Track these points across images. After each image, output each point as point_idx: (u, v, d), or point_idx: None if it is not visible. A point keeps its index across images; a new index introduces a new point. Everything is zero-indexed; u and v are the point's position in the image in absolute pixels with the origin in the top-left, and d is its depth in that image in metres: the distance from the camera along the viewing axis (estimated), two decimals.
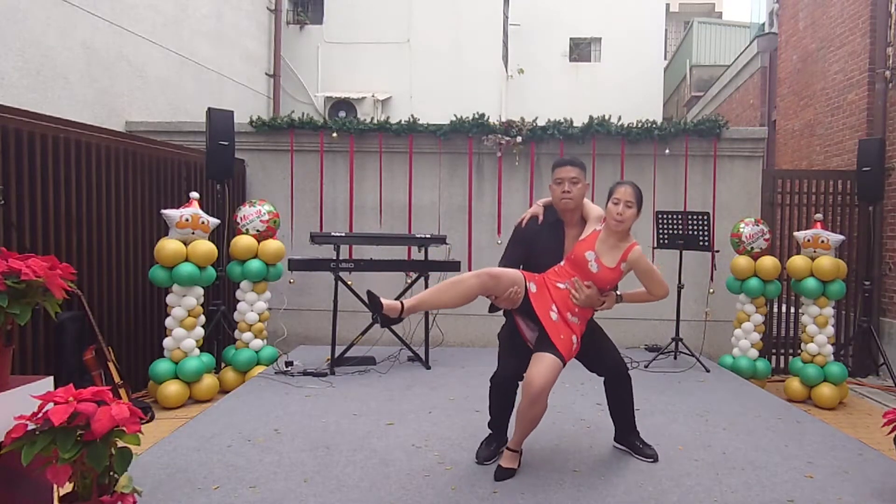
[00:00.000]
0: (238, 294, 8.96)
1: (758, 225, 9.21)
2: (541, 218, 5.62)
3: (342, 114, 16.61)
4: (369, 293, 5.00)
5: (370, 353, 9.19)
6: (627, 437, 5.88)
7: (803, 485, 5.18)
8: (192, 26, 12.57)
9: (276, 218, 9.08)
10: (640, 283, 5.45)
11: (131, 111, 10.65)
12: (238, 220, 8.90)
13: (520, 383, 5.38)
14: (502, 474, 5.27)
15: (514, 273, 5.16)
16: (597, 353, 5.63)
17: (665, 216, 9.40)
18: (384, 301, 4.95)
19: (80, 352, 7.04)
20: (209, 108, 8.91)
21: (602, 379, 5.76)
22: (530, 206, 10.40)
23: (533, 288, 5.15)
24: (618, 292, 5.44)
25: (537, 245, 5.52)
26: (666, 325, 10.13)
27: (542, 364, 4.96)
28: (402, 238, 9.59)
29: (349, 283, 9.07)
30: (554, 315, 5.09)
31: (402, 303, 5.00)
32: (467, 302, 5.04)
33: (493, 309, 5.36)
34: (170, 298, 8.03)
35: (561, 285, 5.20)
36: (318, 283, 10.42)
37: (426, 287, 8.80)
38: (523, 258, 5.56)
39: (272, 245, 8.88)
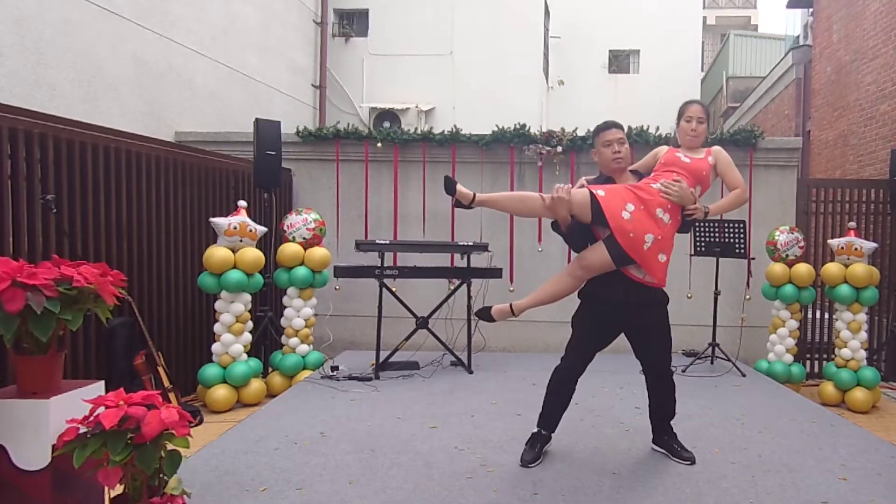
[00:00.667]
0: (285, 300, 8.99)
1: (793, 233, 9.13)
2: (585, 184, 5.47)
3: (386, 124, 16.68)
4: (446, 178, 5.44)
5: (414, 358, 9.15)
6: (664, 439, 5.84)
7: (837, 487, 5.14)
8: (240, 39, 12.65)
9: (322, 226, 9.09)
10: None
11: (180, 122, 10.73)
12: (285, 227, 8.92)
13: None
14: (484, 314, 5.49)
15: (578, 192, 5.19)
16: (647, 342, 5.54)
17: (702, 224, 9.31)
18: (459, 187, 5.39)
19: (131, 357, 7.09)
20: (257, 119, 8.94)
21: (643, 379, 5.71)
22: None
23: (601, 192, 5.08)
24: (705, 206, 5.31)
25: None
26: (703, 330, 10.02)
27: (598, 250, 5.15)
28: (445, 245, 9.57)
29: (393, 289, 9.07)
30: (626, 214, 4.99)
31: (474, 194, 5.43)
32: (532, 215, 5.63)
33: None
34: (218, 304, 8.07)
35: (654, 185, 5.15)
36: (363, 289, 10.41)
37: (468, 293, 8.80)
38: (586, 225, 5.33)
39: (318, 252, 8.90)
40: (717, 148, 5.45)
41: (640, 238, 4.98)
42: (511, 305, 5.47)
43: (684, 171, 5.25)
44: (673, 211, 5.13)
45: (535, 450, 5.61)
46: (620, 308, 5.28)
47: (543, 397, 5.71)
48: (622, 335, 5.55)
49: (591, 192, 5.08)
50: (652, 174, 5.40)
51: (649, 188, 5.14)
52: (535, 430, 5.74)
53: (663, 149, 5.57)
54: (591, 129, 10.34)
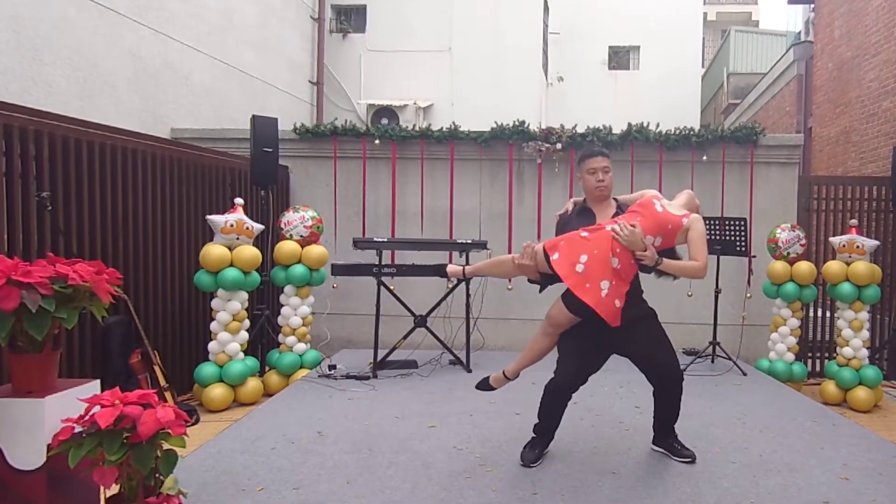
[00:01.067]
0: (282, 298, 8.99)
1: (794, 230, 9.13)
2: (569, 210, 5.75)
3: (384, 121, 16.64)
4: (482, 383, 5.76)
5: (412, 357, 9.15)
6: (665, 439, 5.85)
7: (839, 487, 5.15)
8: (236, 35, 12.64)
9: (320, 223, 9.10)
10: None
11: (177, 118, 10.73)
12: (282, 225, 8.93)
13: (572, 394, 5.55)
14: (484, 385, 5.68)
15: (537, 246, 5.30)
16: (649, 354, 5.50)
17: (703, 222, 9.33)
18: (449, 268, 5.74)
19: (127, 355, 7.10)
20: (253, 116, 8.95)
21: (643, 378, 5.70)
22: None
23: (555, 256, 5.11)
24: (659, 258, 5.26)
25: (568, 229, 5.44)
26: (703, 329, 10.03)
27: (559, 306, 5.29)
28: (444, 243, 9.57)
29: (391, 287, 9.06)
30: (580, 266, 5.02)
31: (462, 267, 5.87)
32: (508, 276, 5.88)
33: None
34: (215, 303, 8.07)
35: (608, 227, 5.17)
36: (361, 287, 10.39)
37: (467, 291, 8.80)
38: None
39: (315, 250, 8.90)
40: (697, 216, 5.48)
41: (596, 286, 5.02)
42: (504, 372, 5.74)
43: (651, 218, 5.24)
44: (622, 255, 5.11)
45: (536, 451, 5.63)
46: (608, 331, 5.18)
47: (539, 408, 5.71)
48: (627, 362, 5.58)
49: (546, 256, 5.16)
50: (629, 211, 5.45)
51: (603, 232, 5.16)
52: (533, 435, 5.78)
53: (651, 193, 5.59)
54: (591, 126, 10.45)
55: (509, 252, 10.47)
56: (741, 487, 5.09)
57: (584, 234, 5.17)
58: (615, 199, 5.71)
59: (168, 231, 8.32)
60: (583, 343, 5.37)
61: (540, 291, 5.66)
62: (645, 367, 5.54)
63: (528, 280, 5.58)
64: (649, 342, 5.48)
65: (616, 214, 5.48)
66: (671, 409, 5.76)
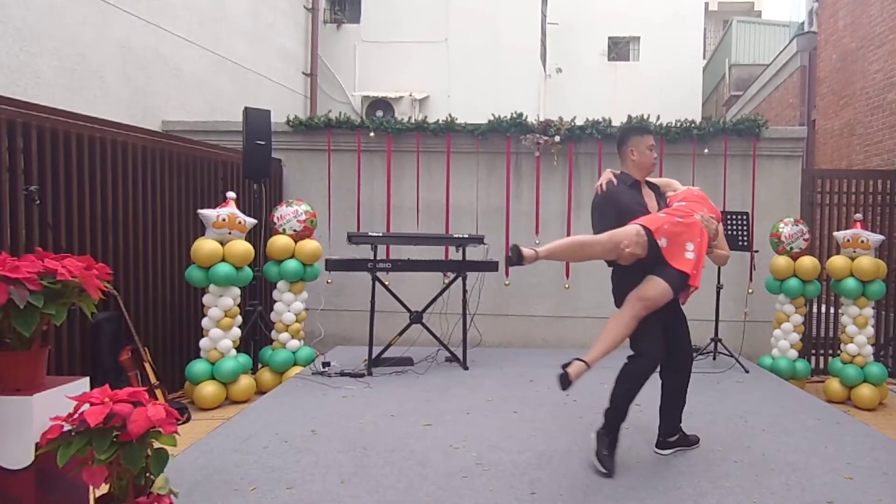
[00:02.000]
0: (275, 294, 8.99)
1: (797, 225, 9.13)
2: (615, 182, 5.71)
3: (379, 113, 16.65)
4: (513, 249, 5.33)
5: (407, 354, 9.14)
6: (675, 434, 5.89)
7: (843, 486, 5.15)
8: (228, 25, 12.62)
9: (314, 218, 9.10)
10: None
11: (167, 110, 10.71)
12: (275, 219, 8.92)
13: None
14: (563, 379, 5.24)
15: (634, 227, 5.28)
16: (685, 329, 5.77)
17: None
18: (524, 250, 5.26)
19: (117, 352, 7.08)
20: (246, 108, 8.93)
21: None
22: (569, 205, 10.37)
23: (663, 241, 5.31)
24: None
25: (622, 203, 5.58)
26: (705, 325, 10.02)
27: (651, 283, 5.34)
28: (440, 238, 9.58)
29: (386, 283, 9.05)
30: (690, 255, 5.40)
31: (535, 251, 5.26)
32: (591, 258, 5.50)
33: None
34: (206, 299, 8.06)
35: (696, 216, 5.47)
36: (356, 283, 10.40)
37: (464, 286, 8.80)
38: (615, 218, 5.52)
39: (309, 245, 8.90)
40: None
41: (700, 270, 5.48)
42: (585, 361, 5.24)
43: (713, 210, 5.74)
44: (703, 242, 5.50)
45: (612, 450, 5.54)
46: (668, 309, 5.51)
47: (616, 396, 5.51)
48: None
49: (654, 242, 5.29)
50: (683, 200, 5.70)
51: (695, 221, 5.46)
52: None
53: (694, 190, 5.92)
54: (590, 118, 10.43)
55: (507, 246, 10.47)
56: (743, 487, 5.09)
57: (679, 218, 5.40)
58: (649, 181, 5.93)
59: (159, 226, 8.31)
60: (658, 320, 5.48)
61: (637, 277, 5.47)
62: (677, 346, 5.71)
63: (609, 263, 5.62)
64: (684, 320, 5.83)
65: (656, 194, 5.86)
66: (682, 398, 5.89)
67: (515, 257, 5.19)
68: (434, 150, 10.78)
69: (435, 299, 9.09)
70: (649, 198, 5.76)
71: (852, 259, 8.72)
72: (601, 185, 5.68)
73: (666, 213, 5.48)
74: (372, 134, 10.66)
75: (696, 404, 7.27)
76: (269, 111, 9.14)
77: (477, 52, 17.51)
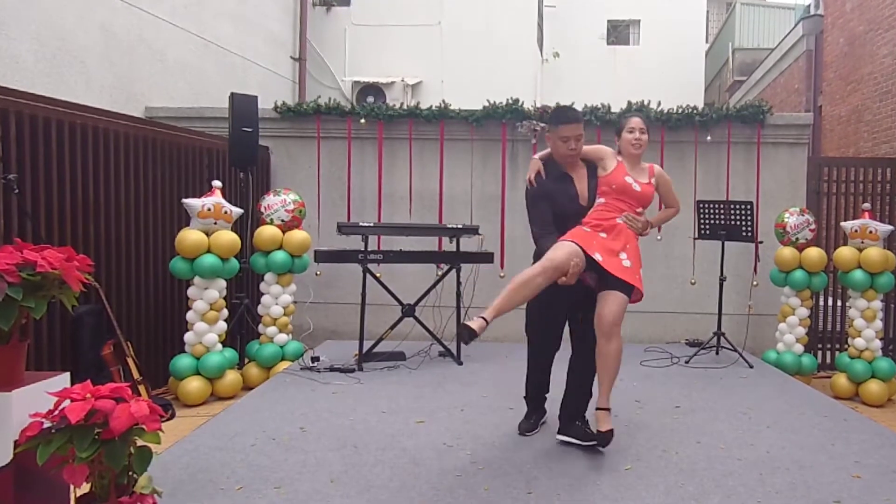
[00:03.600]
0: (262, 287, 8.98)
1: (803, 215, 9.14)
2: (544, 173, 5.93)
3: (370, 99, 16.59)
4: (461, 327, 5.32)
5: (400, 349, 9.15)
6: (577, 424, 5.93)
7: (850, 485, 5.15)
8: (214, 8, 12.57)
9: (302, 207, 9.09)
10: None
11: (151, 96, 10.67)
12: (262, 209, 8.90)
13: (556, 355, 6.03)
14: (605, 439, 5.51)
15: (569, 247, 5.36)
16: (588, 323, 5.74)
17: (706, 206, 9.34)
18: (473, 325, 5.17)
19: (98, 347, 7.07)
20: (232, 93, 8.92)
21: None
22: None
23: (598, 257, 5.39)
24: (645, 217, 5.93)
25: (556, 197, 5.83)
26: (707, 319, 10.04)
27: (612, 300, 5.42)
28: (433, 228, 9.58)
29: (378, 275, 9.05)
30: (626, 262, 5.51)
31: (484, 319, 5.25)
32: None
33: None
34: (191, 291, 8.05)
35: (619, 219, 5.65)
36: (346, 275, 10.39)
37: (458, 279, 8.80)
38: (549, 212, 5.81)
39: (298, 236, 8.88)
40: (659, 169, 6.11)
41: (639, 273, 5.65)
42: (485, 320, 5.38)
43: (635, 200, 5.78)
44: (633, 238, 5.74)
45: (531, 420, 6.10)
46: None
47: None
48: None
49: (595, 264, 5.40)
50: (601, 197, 5.82)
51: (620, 227, 5.64)
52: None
53: (608, 152, 5.97)
54: (588, 104, 10.43)
55: (502, 239, 10.47)
56: (747, 486, 5.09)
57: (603, 234, 5.57)
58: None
59: (142, 215, 8.30)
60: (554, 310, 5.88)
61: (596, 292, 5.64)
62: (585, 328, 5.76)
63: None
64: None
65: (588, 171, 5.96)
66: (591, 381, 5.98)
67: (466, 336, 5.13)
68: (427, 138, 10.77)
69: (428, 292, 9.11)
70: (581, 181, 5.90)
71: (860, 250, 8.72)
72: (530, 178, 5.94)
73: (590, 227, 5.61)
74: (363, 121, 10.64)
75: (699, 400, 7.29)
76: (256, 97, 9.13)
77: (471, 36, 17.46)
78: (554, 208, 5.82)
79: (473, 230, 8.93)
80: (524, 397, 6.40)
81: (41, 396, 3.87)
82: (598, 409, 5.58)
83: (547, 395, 6.38)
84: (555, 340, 6.09)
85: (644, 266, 5.71)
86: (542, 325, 6.09)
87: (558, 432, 5.97)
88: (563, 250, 5.30)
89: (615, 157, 5.90)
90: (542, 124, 10.35)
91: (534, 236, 5.97)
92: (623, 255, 5.49)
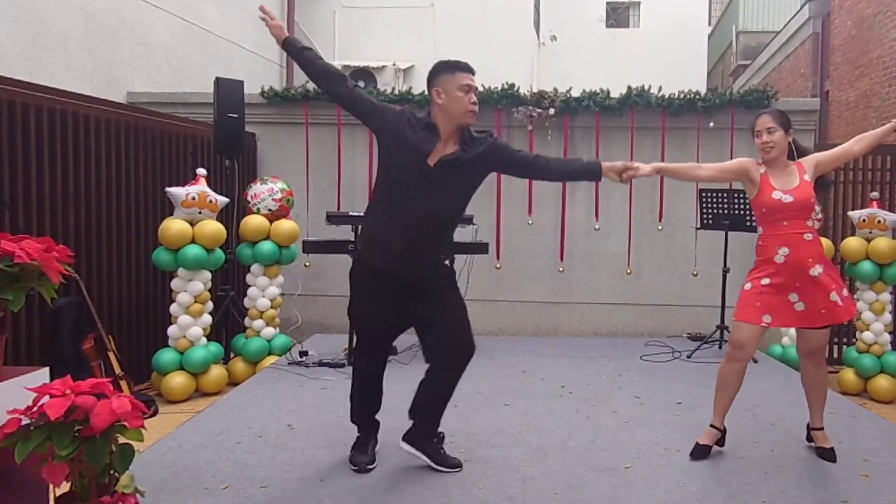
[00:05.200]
0: (248, 278, 8.98)
1: None
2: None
3: (361, 84, 16.56)
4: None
5: None
6: (434, 442, 5.55)
7: (858, 484, 5.16)
8: None
9: (290, 196, 9.07)
10: None
11: (133, 81, 10.65)
12: (248, 198, 8.89)
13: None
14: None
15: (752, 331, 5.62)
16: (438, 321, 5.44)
17: (709, 195, 9.35)
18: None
19: (78, 341, 7.05)
20: (217, 78, 8.91)
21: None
22: (564, 183, 10.32)
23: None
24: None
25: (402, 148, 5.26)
26: (710, 312, 10.04)
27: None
28: None
29: None
30: (834, 297, 5.42)
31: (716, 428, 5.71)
32: None
33: None
34: (175, 283, 8.04)
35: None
36: (335, 266, 10.39)
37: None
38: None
39: (285, 225, 8.88)
40: (810, 159, 5.69)
41: None
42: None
43: (794, 211, 5.46)
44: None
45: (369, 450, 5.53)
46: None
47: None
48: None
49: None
50: (760, 226, 5.87)
51: (799, 264, 5.52)
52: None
53: (750, 163, 5.92)
54: (587, 89, 10.43)
55: (497, 229, 10.47)
56: (752, 485, 5.10)
57: (794, 297, 5.59)
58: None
59: (124, 204, 8.28)
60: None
61: None
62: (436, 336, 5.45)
63: None
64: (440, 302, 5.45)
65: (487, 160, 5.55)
66: (452, 388, 5.56)
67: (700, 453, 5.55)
68: None
69: None
70: (435, 156, 5.15)
71: (868, 240, 8.70)
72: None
73: (770, 285, 5.74)
74: None
75: (701, 396, 7.29)
76: (242, 82, 9.11)
77: (465, 19, 17.43)
78: (393, 161, 5.21)
79: (468, 220, 8.91)
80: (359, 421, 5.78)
81: (19, 392, 3.86)
82: (816, 428, 5.79)
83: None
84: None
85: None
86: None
87: (407, 439, 5.54)
88: (745, 334, 5.56)
89: (759, 167, 5.77)
90: (539, 110, 10.34)
91: None
92: (833, 296, 5.37)
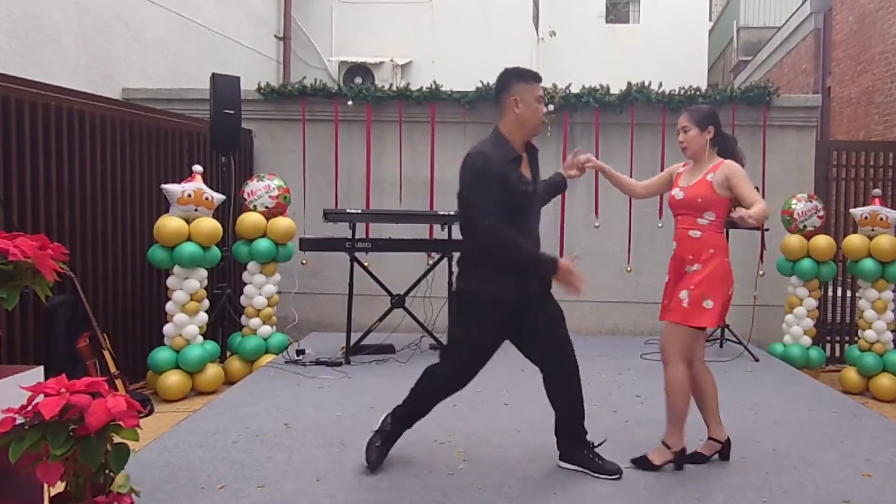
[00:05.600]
0: (245, 276, 8.97)
1: (811, 201, 9.14)
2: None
3: (358, 80, 16.52)
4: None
5: (389, 341, 9.16)
6: (583, 452, 5.43)
7: (860, 484, 5.16)
8: None
9: (287, 193, 9.07)
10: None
11: (128, 77, 10.63)
12: (245, 195, 8.89)
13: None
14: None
15: None
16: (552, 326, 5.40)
17: None
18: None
19: (73, 339, 7.06)
20: (213, 74, 8.90)
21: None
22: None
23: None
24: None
25: (510, 186, 5.06)
26: None
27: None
28: (424, 216, 9.57)
29: (366, 264, 9.04)
30: (684, 300, 5.37)
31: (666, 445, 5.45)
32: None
33: None
34: (171, 281, 8.04)
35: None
36: (333, 264, 10.40)
37: (449, 268, 8.79)
38: (500, 202, 5.05)
39: (282, 223, 8.88)
40: (727, 166, 5.39)
41: None
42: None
43: (684, 208, 5.47)
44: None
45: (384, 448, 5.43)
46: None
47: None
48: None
49: None
50: None
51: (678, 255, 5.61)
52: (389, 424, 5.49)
53: (675, 167, 5.84)
54: (586, 85, 10.43)
55: None
56: (753, 485, 5.10)
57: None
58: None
59: (119, 202, 8.28)
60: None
61: None
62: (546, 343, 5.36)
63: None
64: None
65: (531, 158, 5.36)
66: (580, 396, 5.45)
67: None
68: (418, 120, 10.76)
69: (418, 282, 9.10)
70: (526, 171, 5.20)
71: (870, 238, 8.72)
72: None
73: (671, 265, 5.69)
74: (350, 102, 10.61)
75: None
76: (238, 78, 9.10)
77: (463, 14, 17.37)
78: (507, 199, 4.96)
79: None
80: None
81: (14, 391, 3.86)
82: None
83: None
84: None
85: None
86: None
87: (563, 458, 5.48)
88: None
89: (682, 166, 5.75)
90: None
91: (494, 234, 4.89)
92: (683, 294, 5.33)
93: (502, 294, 4.94)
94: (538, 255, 5.02)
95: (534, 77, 5.22)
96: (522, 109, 5.08)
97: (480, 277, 5.01)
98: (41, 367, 4.33)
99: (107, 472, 3.82)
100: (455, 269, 5.35)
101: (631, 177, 6.52)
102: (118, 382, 7.13)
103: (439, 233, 9.67)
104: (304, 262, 10.17)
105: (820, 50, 16.74)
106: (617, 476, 5.21)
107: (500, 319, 5.06)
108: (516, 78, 5.20)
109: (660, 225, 10.13)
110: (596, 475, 5.24)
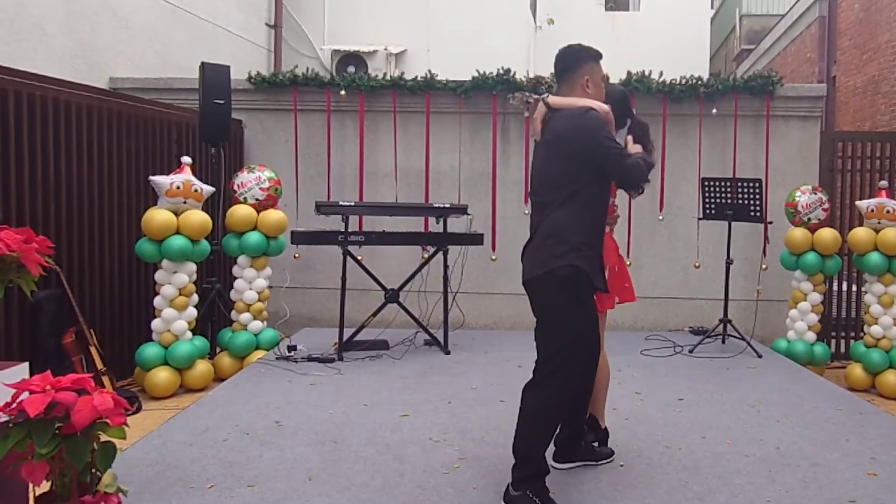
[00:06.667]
0: (235, 270, 8.97)
1: (815, 193, 9.14)
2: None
3: (351, 69, 16.52)
4: None
5: (382, 337, 9.16)
6: (581, 445, 5.44)
7: (866, 483, 5.17)
8: None
9: (278, 185, 9.07)
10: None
11: (116, 66, 10.60)
12: (235, 187, 8.88)
13: None
14: None
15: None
16: None
17: (712, 183, 9.34)
18: None
19: (59, 335, 7.04)
20: (203, 63, 8.88)
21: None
22: None
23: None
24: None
25: None
26: (713, 305, 10.06)
27: None
28: (419, 208, 9.57)
29: (359, 257, 9.05)
30: None
31: None
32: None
33: None
34: (159, 275, 8.01)
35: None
36: (325, 258, 10.40)
37: (445, 262, 8.79)
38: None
39: (273, 216, 8.87)
40: None
41: None
42: None
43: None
44: None
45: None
46: None
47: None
48: None
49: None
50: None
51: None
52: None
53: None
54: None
55: (493, 220, 10.46)
56: (756, 484, 5.11)
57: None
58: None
59: (106, 194, 8.25)
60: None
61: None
62: None
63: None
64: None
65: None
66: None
67: None
68: (412, 110, 10.75)
69: (413, 276, 9.10)
70: None
71: (877, 231, 8.69)
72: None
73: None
74: (343, 92, 10.60)
75: (704, 392, 7.31)
76: (228, 67, 9.08)
77: (460, 2, 17.37)
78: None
79: (462, 210, 8.92)
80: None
81: None
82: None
83: None
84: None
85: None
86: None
87: (559, 460, 5.42)
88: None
89: None
90: (536, 96, 10.29)
91: (643, 163, 5.19)
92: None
93: (594, 271, 5.09)
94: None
95: (600, 56, 5.20)
96: (593, 90, 5.13)
97: (577, 254, 5.07)
98: (26, 364, 4.32)
99: (93, 471, 3.81)
100: (529, 251, 5.57)
101: None
102: (105, 379, 7.13)
103: (434, 225, 9.63)
104: (295, 255, 10.17)
105: (825, 38, 16.73)
106: (611, 458, 5.46)
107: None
108: (587, 57, 5.14)
109: (660, 217, 10.13)
110: (597, 464, 5.38)
